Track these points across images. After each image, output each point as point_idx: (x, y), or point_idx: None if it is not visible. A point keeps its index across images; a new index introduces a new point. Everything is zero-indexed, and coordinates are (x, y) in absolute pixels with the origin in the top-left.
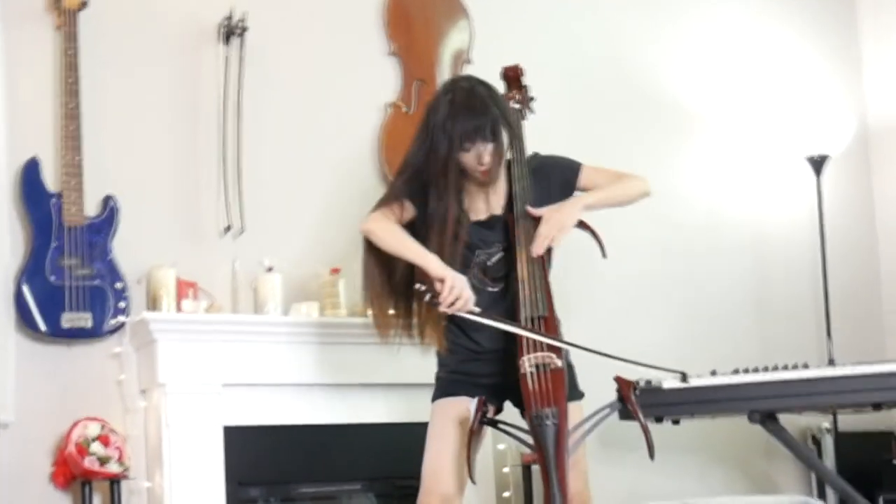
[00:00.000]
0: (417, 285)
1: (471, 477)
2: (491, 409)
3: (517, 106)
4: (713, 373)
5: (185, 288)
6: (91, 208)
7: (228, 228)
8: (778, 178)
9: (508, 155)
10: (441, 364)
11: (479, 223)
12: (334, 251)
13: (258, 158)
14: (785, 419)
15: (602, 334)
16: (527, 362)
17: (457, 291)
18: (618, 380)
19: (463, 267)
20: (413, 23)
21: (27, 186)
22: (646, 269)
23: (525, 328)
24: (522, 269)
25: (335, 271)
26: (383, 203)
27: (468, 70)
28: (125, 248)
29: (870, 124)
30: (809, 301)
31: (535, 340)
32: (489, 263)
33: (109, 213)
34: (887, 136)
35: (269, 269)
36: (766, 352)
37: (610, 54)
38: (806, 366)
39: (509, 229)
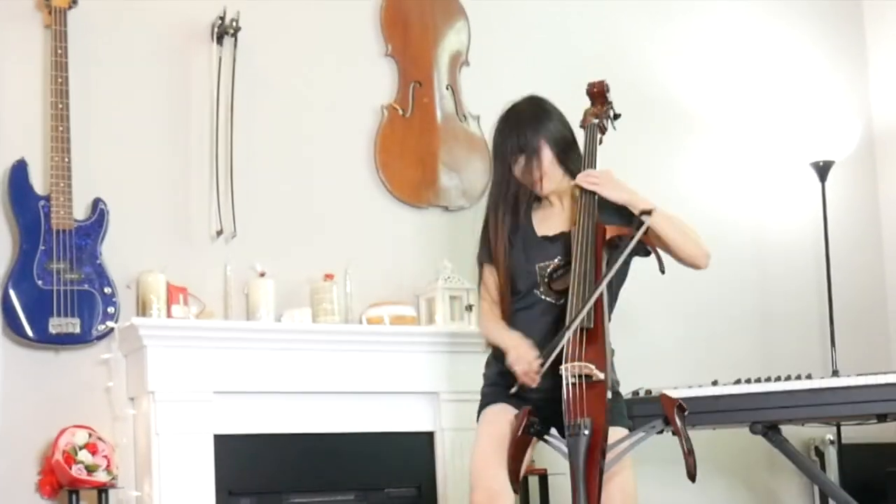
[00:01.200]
0: (511, 390)
1: (514, 487)
2: (536, 421)
3: (595, 120)
4: (714, 383)
5: (175, 293)
6: (80, 211)
7: (220, 232)
8: (781, 183)
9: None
10: (485, 381)
11: (546, 238)
12: (328, 256)
13: (251, 161)
14: (787, 430)
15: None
16: (566, 371)
17: (522, 364)
18: (662, 398)
19: (532, 281)
20: (409, 24)
21: (15, 189)
22: (646, 277)
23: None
24: (575, 274)
25: (329, 277)
26: (480, 284)
27: (466, 71)
28: (114, 252)
29: (876, 129)
30: (813, 309)
31: (576, 351)
32: (555, 276)
33: (99, 216)
34: (893, 140)
35: (262, 275)
36: (769, 361)
37: (609, 55)
38: (809, 376)
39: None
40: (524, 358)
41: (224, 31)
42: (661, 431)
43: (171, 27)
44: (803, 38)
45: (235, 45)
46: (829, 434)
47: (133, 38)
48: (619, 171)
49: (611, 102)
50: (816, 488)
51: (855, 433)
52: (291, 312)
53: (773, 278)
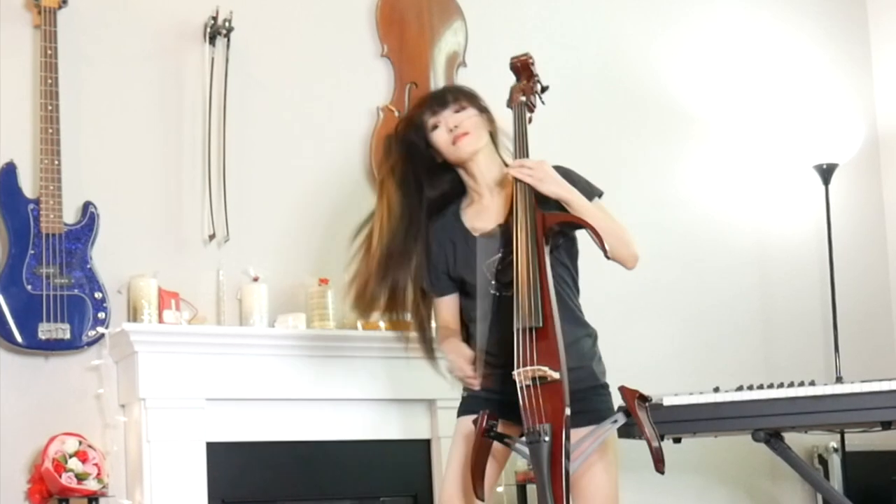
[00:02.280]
0: (463, 393)
1: (476, 494)
2: (513, 429)
3: (522, 98)
4: (716, 389)
5: (167, 298)
6: (70, 215)
7: (212, 236)
8: (784, 186)
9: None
10: (464, 386)
11: (485, 235)
12: (322, 261)
13: (244, 164)
14: (790, 438)
15: (602, 346)
16: (518, 378)
17: (457, 371)
18: (622, 389)
19: (484, 283)
20: (406, 24)
21: (3, 192)
22: (646, 281)
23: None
24: (519, 272)
25: (323, 282)
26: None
27: (463, 73)
28: (105, 257)
29: (880, 131)
30: (816, 315)
31: (527, 353)
32: (498, 268)
33: (89, 220)
34: None
35: (255, 279)
36: (771, 367)
37: (610, 56)
38: (812, 382)
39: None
40: (457, 365)
41: (217, 32)
42: (624, 423)
43: (162, 27)
44: (806, 38)
45: (228, 46)
46: (833, 442)
47: (124, 39)
48: (616, 173)
49: (537, 76)
50: (820, 497)
51: (859, 441)
52: (285, 318)
53: (776, 283)
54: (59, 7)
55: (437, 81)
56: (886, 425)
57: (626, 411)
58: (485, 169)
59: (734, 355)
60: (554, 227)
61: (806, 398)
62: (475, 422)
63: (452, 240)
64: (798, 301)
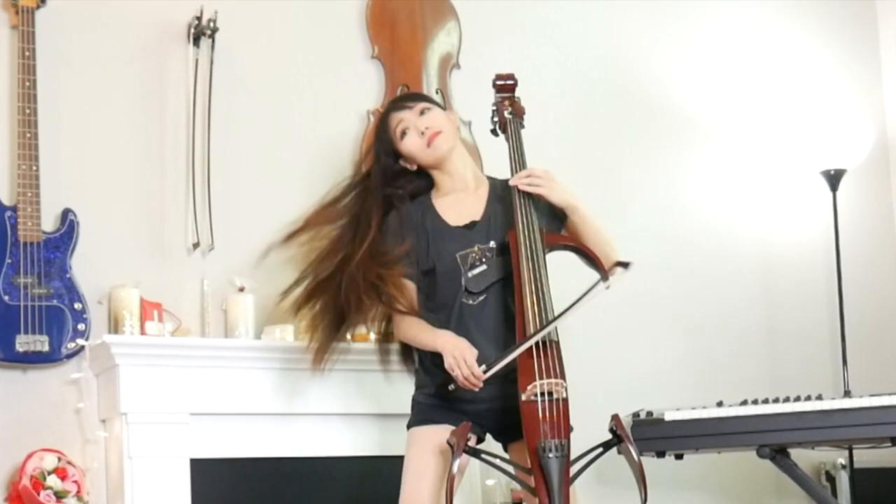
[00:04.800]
0: (450, 387)
1: None
2: (473, 438)
3: (510, 116)
4: (720, 403)
5: (149, 309)
6: (48, 223)
7: (197, 245)
8: (790, 193)
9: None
10: (418, 386)
11: (460, 227)
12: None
13: (229, 169)
14: (797, 454)
15: (601, 358)
16: (537, 388)
17: (464, 368)
18: (615, 418)
19: (454, 273)
20: (397, 24)
21: None
22: (647, 291)
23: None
24: (527, 283)
25: None
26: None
27: (457, 75)
28: (85, 266)
29: (890, 135)
30: (824, 326)
31: (548, 365)
32: (470, 275)
33: (68, 227)
34: None
35: (241, 290)
36: (777, 381)
37: (609, 58)
38: (820, 397)
39: (508, 245)
40: (466, 361)
41: (201, 32)
42: (613, 447)
43: (145, 28)
44: (813, 39)
45: (213, 47)
46: (841, 458)
47: (105, 40)
48: (616, 180)
49: (518, 98)
50: None
51: (868, 457)
52: (272, 330)
53: (782, 293)
54: (38, 7)
55: (430, 84)
56: None
57: (618, 437)
58: (460, 165)
59: (738, 368)
60: (554, 246)
61: (813, 413)
62: (457, 433)
63: (426, 227)
64: (805, 312)
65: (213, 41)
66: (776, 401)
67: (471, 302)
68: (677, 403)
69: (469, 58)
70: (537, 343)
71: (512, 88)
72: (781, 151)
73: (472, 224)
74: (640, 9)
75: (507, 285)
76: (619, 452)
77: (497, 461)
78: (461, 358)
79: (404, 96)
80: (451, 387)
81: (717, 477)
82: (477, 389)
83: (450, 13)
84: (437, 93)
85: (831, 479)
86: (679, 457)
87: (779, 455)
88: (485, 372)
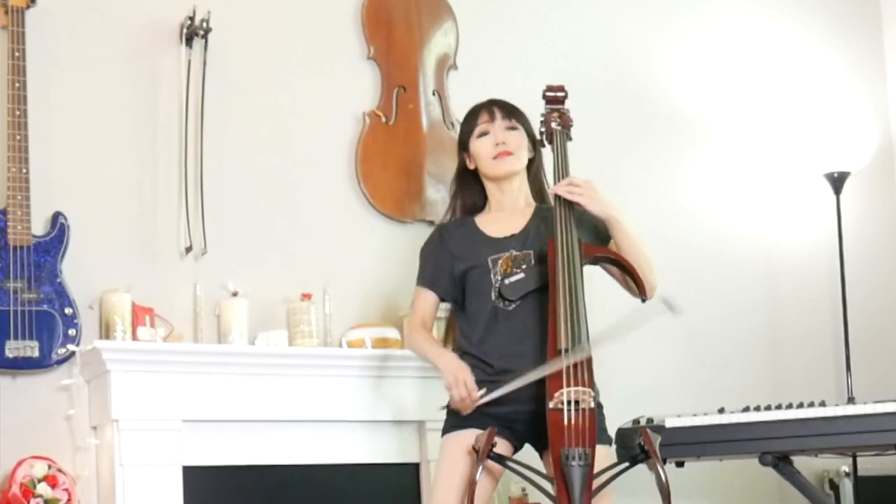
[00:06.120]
0: (441, 407)
1: None
2: (505, 444)
3: (559, 128)
4: (721, 410)
5: (141, 314)
6: (38, 226)
7: (189, 249)
8: (793, 196)
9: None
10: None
11: (496, 239)
12: (305, 275)
13: (222, 172)
14: (800, 462)
15: (601, 363)
16: (564, 395)
17: (461, 390)
18: (643, 434)
19: (485, 279)
20: (393, 24)
21: None
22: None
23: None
24: (562, 294)
25: (306, 297)
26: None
27: (454, 76)
28: (76, 271)
29: (894, 137)
30: (827, 332)
31: (577, 373)
32: (506, 282)
33: (59, 231)
34: None
35: (234, 294)
36: (780, 387)
37: (609, 58)
38: (823, 403)
39: (546, 255)
40: (464, 384)
41: (194, 33)
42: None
43: (136, 28)
44: (816, 40)
45: (206, 48)
46: (845, 465)
47: (96, 40)
48: (616, 182)
49: (568, 110)
50: None
51: (872, 464)
52: (266, 335)
53: (784, 298)
54: (28, 7)
55: (427, 85)
56: None
57: (645, 453)
58: (516, 190)
59: (740, 374)
60: (596, 258)
61: (816, 420)
62: (482, 438)
63: (461, 243)
64: (808, 317)
65: (206, 42)
66: (779, 407)
67: (506, 308)
68: (678, 410)
69: (466, 58)
70: (568, 350)
71: (562, 101)
72: (784, 153)
73: (511, 236)
74: (640, 8)
75: (545, 294)
76: (649, 468)
77: (523, 469)
78: (461, 380)
79: (505, 103)
80: (442, 407)
81: (718, 485)
82: (466, 412)
83: (447, 13)
84: (433, 94)
85: (835, 486)
86: (680, 464)
87: (781, 462)
88: (481, 397)
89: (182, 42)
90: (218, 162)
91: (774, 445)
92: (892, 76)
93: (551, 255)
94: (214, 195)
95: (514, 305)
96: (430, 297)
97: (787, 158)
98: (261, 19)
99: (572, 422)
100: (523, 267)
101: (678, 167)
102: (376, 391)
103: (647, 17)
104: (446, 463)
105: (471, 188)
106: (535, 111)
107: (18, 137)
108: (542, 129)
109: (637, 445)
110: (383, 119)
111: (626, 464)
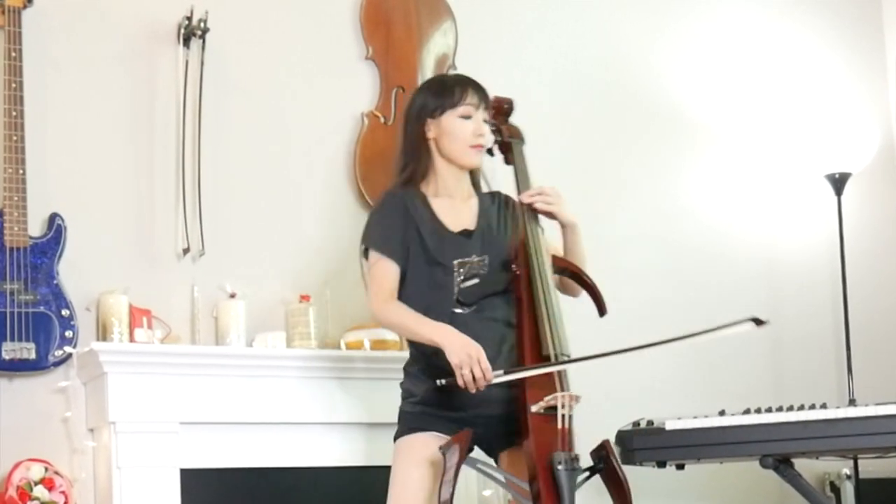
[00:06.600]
0: (439, 382)
1: None
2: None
3: (509, 139)
4: (722, 412)
5: (138, 316)
6: (35, 227)
7: (187, 250)
8: (794, 197)
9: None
10: (407, 395)
11: (459, 233)
12: (303, 276)
13: (220, 173)
14: (801, 464)
15: (600, 366)
16: (557, 401)
17: (475, 368)
18: (607, 444)
19: (442, 285)
20: (392, 24)
21: None
22: (648, 297)
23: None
24: (542, 301)
25: (304, 298)
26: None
27: None
28: (73, 272)
29: None
30: (828, 333)
31: (562, 379)
32: (463, 287)
33: (55, 233)
34: None
35: (232, 296)
36: (781, 390)
37: (609, 58)
38: (824, 405)
39: (517, 257)
40: (480, 362)
41: (191, 33)
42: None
43: (133, 28)
44: (817, 40)
45: (203, 48)
46: (846, 468)
47: (93, 40)
48: (615, 183)
49: (515, 126)
50: None
51: (874, 467)
52: (264, 337)
53: (785, 299)
54: (24, 7)
55: None
56: None
57: (605, 460)
58: (467, 180)
59: (741, 376)
60: (560, 270)
61: (817, 422)
62: (458, 439)
63: (419, 223)
64: (809, 319)
65: (204, 42)
66: (779, 409)
67: (462, 311)
68: (678, 412)
69: (465, 59)
70: (555, 355)
71: (509, 113)
72: (785, 154)
73: (468, 233)
74: (640, 8)
75: (500, 299)
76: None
77: (495, 472)
78: (475, 357)
79: (487, 92)
80: (442, 382)
81: (719, 487)
82: (474, 392)
83: (446, 13)
84: None
85: (836, 489)
86: (680, 467)
87: (782, 465)
88: (501, 378)
89: (179, 42)
90: (215, 163)
91: (775, 448)
92: (893, 77)
93: (525, 269)
94: (212, 196)
95: (469, 310)
96: (394, 269)
97: (788, 159)
98: (259, 19)
99: (560, 425)
100: (480, 272)
101: (678, 168)
102: (374, 393)
103: (647, 17)
104: (401, 469)
105: (425, 160)
106: (534, 111)
107: (15, 138)
108: (497, 140)
109: (597, 454)
110: (382, 120)
111: (586, 473)
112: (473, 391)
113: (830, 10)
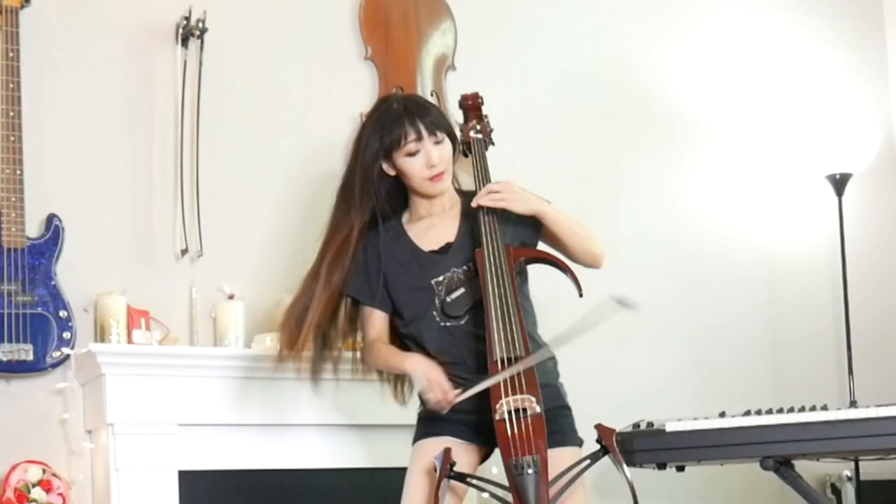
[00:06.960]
0: (418, 409)
1: None
2: (480, 451)
3: (478, 136)
4: (722, 414)
5: (136, 317)
6: (33, 228)
7: (185, 251)
8: (795, 197)
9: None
10: (422, 401)
11: (434, 252)
12: (302, 277)
13: (218, 173)
14: (801, 466)
15: (600, 367)
16: (504, 406)
17: (437, 392)
18: (599, 427)
19: (427, 302)
20: (391, 24)
21: None
22: (647, 298)
23: (496, 374)
24: (493, 304)
25: None
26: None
27: (452, 76)
28: (71, 273)
29: None
30: (829, 335)
31: (516, 381)
32: (448, 300)
33: (53, 233)
34: None
35: (230, 297)
36: (781, 391)
37: (608, 58)
38: (825, 407)
39: (477, 266)
40: (438, 385)
41: (189, 33)
42: (602, 456)
43: (131, 28)
44: (818, 40)
45: (202, 48)
46: (847, 470)
47: (91, 40)
48: (615, 184)
49: (486, 116)
50: None
51: (874, 469)
52: (262, 338)
53: (786, 300)
54: (22, 6)
55: (425, 86)
56: None
57: (604, 448)
58: (445, 197)
59: (741, 378)
60: (521, 260)
61: (818, 424)
62: (439, 459)
63: (399, 260)
64: (809, 320)
65: (202, 42)
66: (780, 411)
67: (450, 324)
68: (679, 414)
69: (465, 59)
70: (505, 359)
71: (479, 107)
72: (785, 155)
73: (447, 247)
74: (640, 8)
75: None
76: (616, 468)
77: (483, 484)
78: (434, 381)
79: (422, 108)
80: (422, 413)
81: (719, 489)
82: (443, 412)
83: (445, 13)
84: (431, 95)
85: (837, 491)
86: (680, 469)
87: (783, 467)
88: (457, 396)
89: (178, 42)
90: (214, 163)
91: (776, 449)
92: (894, 77)
93: (481, 269)
94: (210, 197)
95: (459, 322)
96: (376, 315)
97: (789, 160)
98: (257, 19)
99: (516, 431)
100: (464, 282)
101: (679, 168)
102: (374, 395)
103: (647, 17)
104: (412, 473)
105: (391, 191)
106: (534, 111)
107: (12, 139)
108: (462, 139)
109: (596, 441)
110: None
111: (588, 461)
112: (444, 413)
113: (831, 10)
